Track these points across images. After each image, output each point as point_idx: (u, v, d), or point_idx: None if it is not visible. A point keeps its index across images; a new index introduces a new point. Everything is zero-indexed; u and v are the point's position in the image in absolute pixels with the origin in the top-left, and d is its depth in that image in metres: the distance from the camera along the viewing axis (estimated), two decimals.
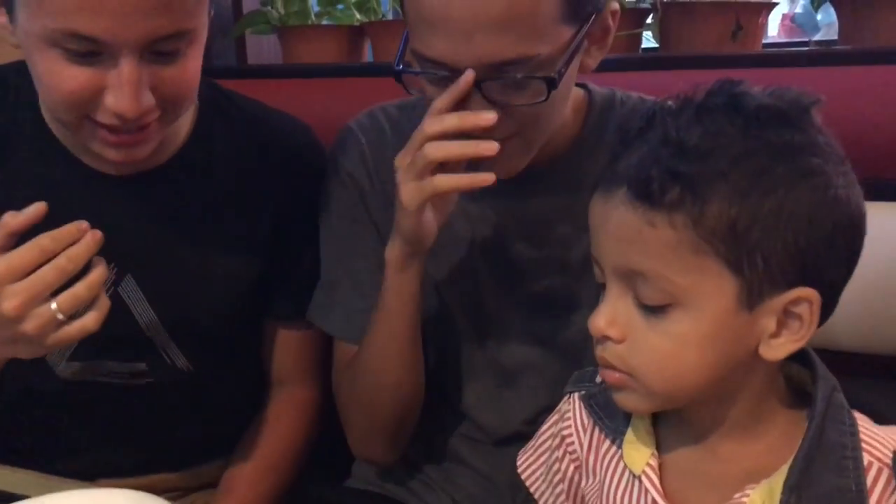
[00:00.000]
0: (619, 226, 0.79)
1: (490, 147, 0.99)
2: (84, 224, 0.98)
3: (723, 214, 0.74)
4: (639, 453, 0.86)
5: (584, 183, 0.85)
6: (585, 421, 0.92)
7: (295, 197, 1.27)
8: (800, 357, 0.84)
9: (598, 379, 0.89)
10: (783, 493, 0.78)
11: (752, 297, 0.76)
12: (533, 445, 0.99)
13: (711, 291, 0.76)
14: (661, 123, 0.78)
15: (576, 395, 0.94)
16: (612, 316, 0.80)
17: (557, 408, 0.97)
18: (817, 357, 0.84)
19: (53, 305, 0.96)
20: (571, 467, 0.94)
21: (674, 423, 0.86)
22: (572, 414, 0.93)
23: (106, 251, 1.20)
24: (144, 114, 1.05)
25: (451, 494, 1.26)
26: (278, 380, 1.35)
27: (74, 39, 0.99)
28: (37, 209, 0.98)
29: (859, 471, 0.78)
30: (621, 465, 0.87)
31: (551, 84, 0.99)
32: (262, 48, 2.20)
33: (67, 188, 1.18)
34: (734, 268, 0.75)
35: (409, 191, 1.03)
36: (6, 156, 1.19)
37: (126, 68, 1.01)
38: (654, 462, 0.85)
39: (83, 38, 0.99)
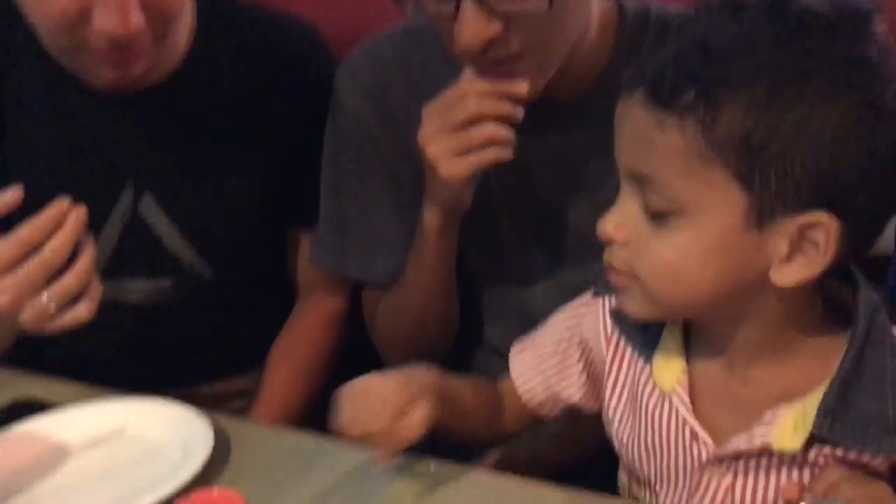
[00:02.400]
0: (632, 126, 0.77)
1: (521, 87, 0.98)
2: (64, 203, 0.97)
3: (737, 124, 0.70)
4: (669, 371, 0.85)
5: (611, 118, 0.81)
6: (610, 332, 0.91)
7: (307, 102, 1.26)
8: (842, 271, 0.80)
9: None
10: (817, 416, 0.76)
11: (762, 216, 0.73)
12: (536, 342, 0.99)
13: (717, 205, 0.73)
14: (698, 21, 0.75)
15: (603, 302, 0.92)
16: (619, 220, 0.79)
17: (574, 305, 0.96)
18: (861, 274, 0.81)
19: (45, 298, 0.97)
20: (584, 374, 0.95)
21: (702, 343, 0.85)
22: (600, 321, 0.92)
23: (121, 172, 1.22)
24: (134, 33, 1.05)
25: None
26: (305, 289, 1.37)
27: None
28: (13, 196, 0.98)
29: None
30: (650, 382, 0.86)
31: None
32: None
33: (76, 111, 1.20)
34: (744, 183, 0.72)
35: (451, 167, 1.01)
36: (12, 83, 1.21)
37: None
38: (684, 380, 0.84)
39: None
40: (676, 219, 0.75)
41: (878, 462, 0.78)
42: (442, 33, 1.02)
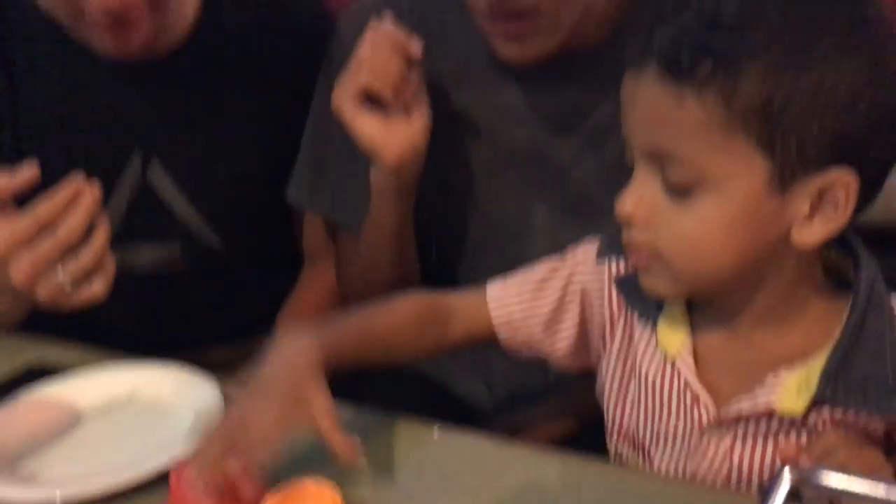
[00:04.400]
0: (647, 103, 0.77)
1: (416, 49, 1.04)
2: (79, 181, 0.98)
3: (756, 91, 0.71)
4: (673, 336, 0.85)
5: (623, 71, 0.81)
6: (615, 296, 0.91)
7: (315, 71, 1.26)
8: (840, 242, 0.82)
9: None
10: (821, 378, 0.77)
11: (783, 180, 0.74)
12: (522, 280, 0.96)
13: (740, 173, 0.74)
14: None
15: (609, 265, 0.91)
16: (638, 198, 0.79)
17: (573, 261, 0.94)
18: (859, 241, 0.82)
19: (60, 276, 0.98)
20: (575, 328, 0.94)
21: (707, 309, 0.85)
22: (605, 285, 0.91)
23: (128, 140, 1.24)
24: (128, 5, 1.08)
25: (486, 378, 1.26)
26: (311, 258, 1.38)
27: None
28: (29, 173, 1.00)
29: None
30: (651, 347, 0.87)
31: None
32: None
33: (87, 80, 1.21)
34: (766, 149, 0.73)
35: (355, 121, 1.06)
36: (23, 52, 1.22)
37: None
38: (688, 344, 0.85)
39: None
40: (699, 192, 0.76)
41: (876, 425, 0.79)
42: None
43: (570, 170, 1.15)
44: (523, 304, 0.95)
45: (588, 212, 1.14)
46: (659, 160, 0.77)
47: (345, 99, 1.06)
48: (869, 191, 0.76)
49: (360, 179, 1.17)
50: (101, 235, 1.00)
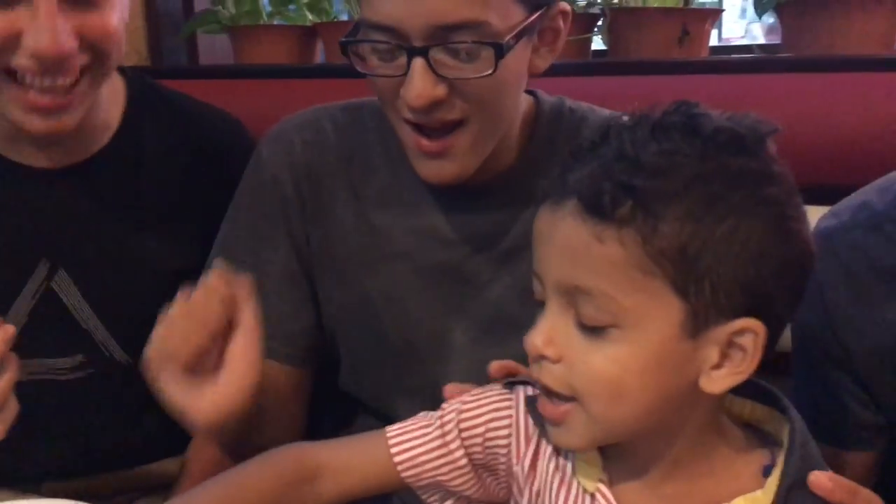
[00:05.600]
0: (565, 239, 0.76)
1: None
2: None
3: (674, 235, 0.72)
4: (593, 469, 0.83)
5: (535, 195, 0.82)
6: (531, 428, 0.87)
7: (228, 192, 1.25)
8: (752, 392, 0.83)
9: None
10: None
11: (696, 325, 0.74)
12: (421, 431, 0.91)
13: (656, 315, 0.73)
14: (616, 138, 0.76)
15: (518, 397, 0.88)
16: (550, 334, 0.77)
17: (473, 401, 0.90)
18: (784, 398, 0.82)
19: None
20: (472, 468, 0.89)
21: (618, 459, 0.83)
22: (518, 416, 0.88)
23: (37, 246, 1.21)
24: (66, 55, 1.06)
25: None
26: None
27: None
28: None
29: None
30: (569, 480, 0.84)
31: (499, 51, 0.98)
32: (215, 48, 2.19)
33: None
34: (681, 292, 0.73)
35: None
36: None
37: (43, 5, 1.03)
38: (606, 480, 0.82)
39: None
40: (613, 331, 0.74)
41: None
42: (385, 95, 1.05)
43: (487, 288, 1.16)
44: (427, 445, 0.91)
45: (505, 330, 1.14)
46: (574, 296, 0.76)
47: (152, 359, 0.99)
48: (772, 341, 0.76)
49: (264, 307, 1.15)
50: (8, 377, 0.97)
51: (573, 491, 0.83)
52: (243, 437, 1.07)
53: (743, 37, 2.76)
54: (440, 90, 1.00)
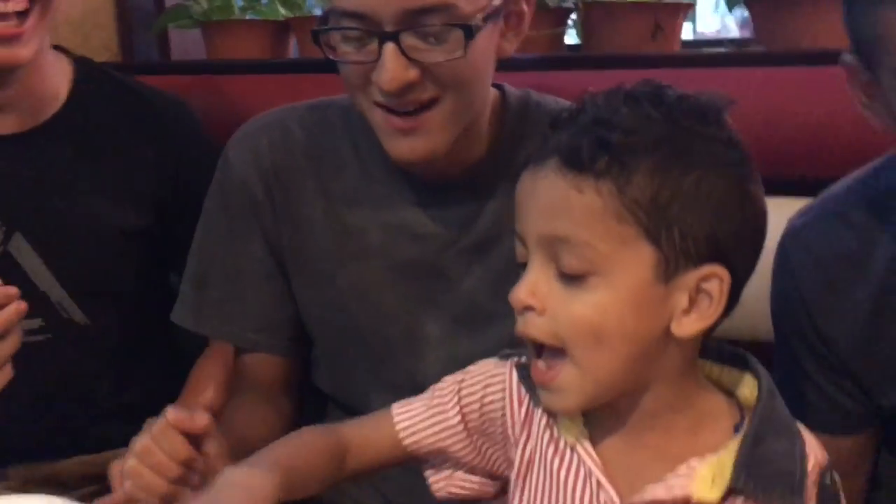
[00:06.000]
0: (546, 193, 0.82)
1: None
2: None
3: (646, 185, 0.78)
4: (574, 425, 0.88)
5: (503, 187, 0.85)
6: (522, 395, 0.92)
7: (176, 163, 1.36)
8: (729, 358, 0.89)
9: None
10: (734, 470, 0.81)
11: (668, 271, 0.80)
12: (422, 401, 0.97)
13: (630, 261, 0.79)
14: (592, 106, 0.83)
15: (511, 365, 0.93)
16: (533, 286, 0.82)
17: (472, 370, 0.96)
18: (754, 359, 0.88)
19: None
20: (473, 436, 0.94)
21: (599, 415, 0.87)
22: (509, 385, 0.93)
23: None
24: None
25: (383, 491, 1.24)
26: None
27: None
28: None
29: (804, 461, 0.83)
30: (555, 439, 0.89)
31: (468, 33, 1.01)
32: (187, 43, 2.18)
33: None
34: (653, 239, 0.79)
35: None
36: None
37: None
38: (587, 433, 0.87)
39: None
40: (591, 278, 0.80)
41: None
42: (356, 81, 1.06)
43: (460, 281, 1.18)
44: (427, 412, 0.96)
45: (479, 321, 1.16)
46: (554, 247, 0.81)
47: (129, 492, 0.96)
48: (736, 289, 0.82)
49: (244, 300, 1.18)
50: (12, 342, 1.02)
51: (559, 446, 0.89)
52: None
53: (718, 31, 2.77)
54: (412, 73, 1.02)
